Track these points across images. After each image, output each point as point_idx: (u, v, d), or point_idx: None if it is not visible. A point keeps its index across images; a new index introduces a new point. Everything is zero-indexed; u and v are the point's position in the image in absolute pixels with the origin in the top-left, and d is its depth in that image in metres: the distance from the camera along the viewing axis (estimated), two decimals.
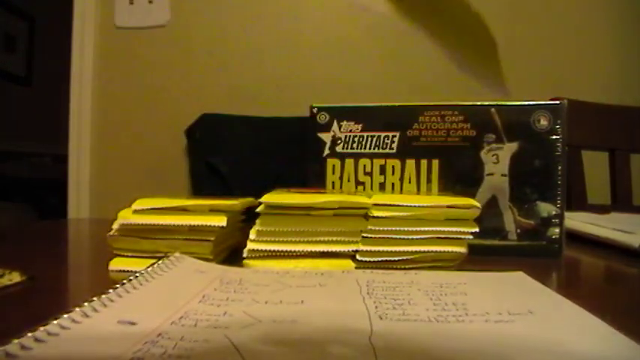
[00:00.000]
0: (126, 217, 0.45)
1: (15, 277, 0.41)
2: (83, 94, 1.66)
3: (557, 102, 0.55)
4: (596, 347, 0.25)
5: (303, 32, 1.63)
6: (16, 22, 3.21)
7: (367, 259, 0.45)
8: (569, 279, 0.50)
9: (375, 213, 0.45)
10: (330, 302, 0.32)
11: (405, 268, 0.44)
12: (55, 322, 0.25)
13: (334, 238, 0.45)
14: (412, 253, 0.45)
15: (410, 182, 0.58)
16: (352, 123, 0.59)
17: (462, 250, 0.45)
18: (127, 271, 0.42)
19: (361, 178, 0.59)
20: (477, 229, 0.46)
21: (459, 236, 0.46)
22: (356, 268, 0.44)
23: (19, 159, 3.01)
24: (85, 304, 0.28)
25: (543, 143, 0.55)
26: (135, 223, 0.45)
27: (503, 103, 0.56)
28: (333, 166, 0.60)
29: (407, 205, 0.45)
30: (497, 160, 0.56)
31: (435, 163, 0.57)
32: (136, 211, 0.45)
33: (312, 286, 0.37)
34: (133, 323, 0.26)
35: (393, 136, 0.58)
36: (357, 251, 0.45)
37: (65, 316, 0.26)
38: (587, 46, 1.57)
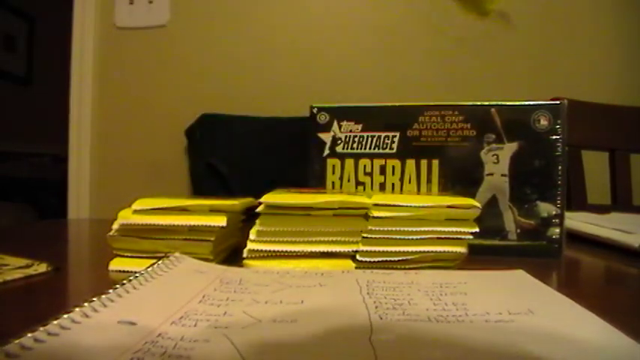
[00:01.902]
0: (126, 217, 0.45)
1: (41, 268, 0.43)
2: (83, 94, 1.66)
3: (557, 102, 0.55)
4: (597, 346, 0.25)
5: (303, 32, 1.62)
6: (16, 22, 3.21)
7: (367, 259, 0.45)
8: (569, 279, 0.50)
9: (375, 213, 0.45)
10: (330, 302, 0.32)
11: (405, 268, 0.44)
12: (55, 322, 0.25)
13: (334, 238, 0.45)
14: (412, 253, 0.45)
15: (410, 182, 0.58)
16: (352, 123, 0.59)
17: (462, 250, 0.46)
18: (127, 272, 0.42)
19: (361, 178, 0.59)
20: (477, 229, 0.46)
21: (459, 236, 0.46)
22: (356, 268, 0.44)
23: (18, 159, 3.01)
24: (85, 304, 0.28)
25: (543, 143, 0.55)
26: (135, 224, 0.45)
27: (503, 103, 0.56)
28: (333, 166, 0.60)
29: (407, 206, 0.45)
30: (497, 160, 0.56)
31: (435, 163, 0.57)
32: (136, 212, 0.45)
33: (312, 286, 0.37)
34: (133, 323, 0.26)
35: (393, 136, 0.58)
36: (357, 251, 0.45)
37: (65, 316, 0.26)
38: (587, 46, 1.57)
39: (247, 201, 0.53)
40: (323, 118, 0.60)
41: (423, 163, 0.57)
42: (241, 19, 1.65)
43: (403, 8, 1.60)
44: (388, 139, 0.58)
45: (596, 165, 1.20)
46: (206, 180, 1.49)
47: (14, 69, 3.22)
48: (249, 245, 0.45)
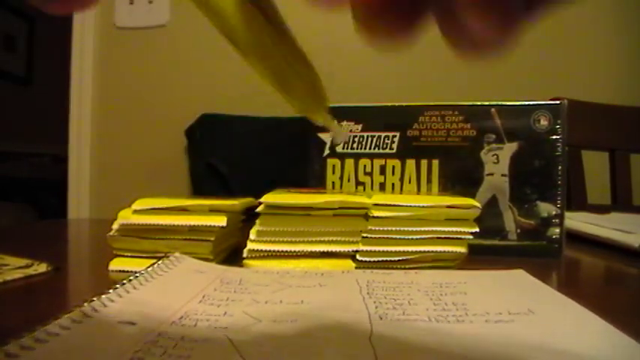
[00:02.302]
0: (126, 217, 0.45)
1: (41, 268, 0.43)
2: (83, 94, 1.66)
3: (557, 102, 0.55)
4: (597, 346, 0.25)
5: (303, 32, 1.62)
6: (16, 22, 3.21)
7: (367, 259, 0.45)
8: (569, 279, 0.50)
9: (375, 213, 0.45)
10: (330, 302, 0.32)
11: (405, 268, 0.44)
12: (55, 322, 0.25)
13: (334, 238, 0.45)
14: (412, 253, 0.45)
15: (410, 182, 0.58)
16: (352, 123, 0.59)
17: (462, 250, 0.46)
18: (127, 271, 0.42)
19: (361, 178, 0.59)
20: (477, 229, 0.46)
21: (459, 236, 0.46)
22: (356, 268, 0.44)
23: (19, 159, 3.01)
24: (85, 304, 0.28)
25: (543, 143, 0.55)
26: (135, 223, 0.45)
27: (503, 103, 0.56)
28: (333, 166, 0.60)
29: (407, 205, 0.45)
30: (497, 160, 0.56)
31: (435, 163, 0.57)
32: (135, 211, 0.45)
33: (312, 286, 0.37)
34: (133, 323, 0.26)
35: (393, 136, 0.58)
36: (357, 251, 0.45)
37: (65, 316, 0.26)
38: (588, 46, 1.57)
39: (247, 201, 0.53)
40: None
41: (423, 163, 0.57)
42: None
43: None
44: (388, 139, 0.58)
45: (596, 165, 1.20)
46: (206, 180, 1.49)
47: (14, 69, 3.22)
48: (249, 245, 0.45)
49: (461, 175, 0.57)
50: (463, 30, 0.13)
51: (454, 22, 0.13)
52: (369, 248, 0.45)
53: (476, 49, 0.13)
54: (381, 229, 0.45)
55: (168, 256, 0.41)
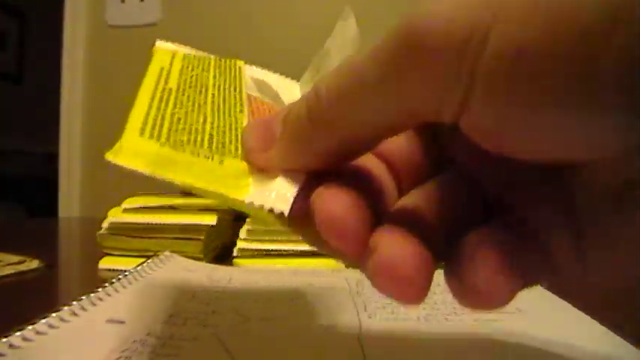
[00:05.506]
0: (116, 215, 0.45)
1: (33, 264, 0.43)
2: (74, 92, 1.65)
3: None
4: (590, 348, 0.25)
5: (302, 29, 1.62)
6: (6, 19, 3.18)
7: None
8: None
9: None
10: (319, 301, 0.33)
11: None
12: (43, 320, 0.25)
13: None
14: None
15: None
16: None
17: None
18: (117, 270, 0.42)
19: None
20: None
21: None
22: (346, 267, 0.45)
23: (8, 157, 2.99)
24: (74, 302, 0.28)
25: None
26: (124, 222, 0.45)
27: None
28: None
29: None
30: None
31: None
32: (125, 210, 0.45)
33: (302, 284, 0.37)
34: (121, 322, 0.26)
35: None
36: None
37: (54, 314, 0.26)
38: None
39: None
40: None
41: None
42: (235, 16, 1.65)
43: (407, 8, 1.60)
44: None
45: None
46: None
47: (4, 67, 3.19)
48: (240, 244, 0.45)
49: None
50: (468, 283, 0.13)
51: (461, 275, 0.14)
52: None
53: (477, 302, 0.14)
54: None
55: (157, 255, 0.41)
